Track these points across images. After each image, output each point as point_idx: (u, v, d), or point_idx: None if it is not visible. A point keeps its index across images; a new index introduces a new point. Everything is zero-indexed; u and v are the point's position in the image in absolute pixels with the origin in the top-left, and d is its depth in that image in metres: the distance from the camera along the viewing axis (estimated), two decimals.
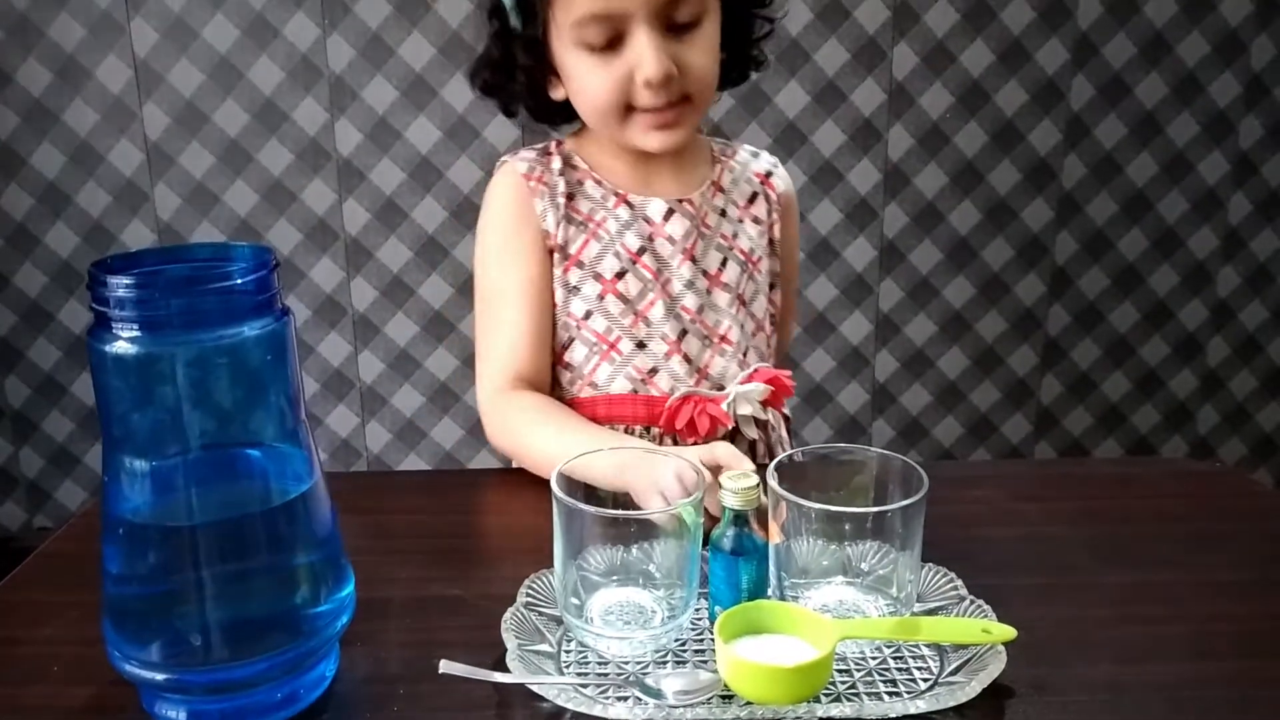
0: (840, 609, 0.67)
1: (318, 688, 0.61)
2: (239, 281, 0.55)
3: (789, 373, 0.96)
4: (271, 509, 0.58)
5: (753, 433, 0.97)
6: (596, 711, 0.56)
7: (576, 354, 0.97)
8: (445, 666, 0.56)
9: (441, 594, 0.72)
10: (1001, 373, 2.02)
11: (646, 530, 0.65)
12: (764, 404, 0.96)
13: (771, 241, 1.03)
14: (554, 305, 0.97)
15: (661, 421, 0.94)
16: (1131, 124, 1.89)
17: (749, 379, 0.95)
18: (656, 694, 0.58)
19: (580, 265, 0.95)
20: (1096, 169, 1.91)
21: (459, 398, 1.95)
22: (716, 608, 0.65)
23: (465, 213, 1.86)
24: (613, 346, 0.95)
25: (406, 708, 0.59)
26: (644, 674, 0.61)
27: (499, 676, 0.57)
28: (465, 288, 1.90)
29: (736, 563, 0.63)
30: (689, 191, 0.98)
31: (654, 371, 0.95)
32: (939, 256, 1.94)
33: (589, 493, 0.66)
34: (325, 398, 1.96)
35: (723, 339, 0.97)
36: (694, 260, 0.96)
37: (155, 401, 0.54)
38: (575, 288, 0.96)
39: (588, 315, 0.95)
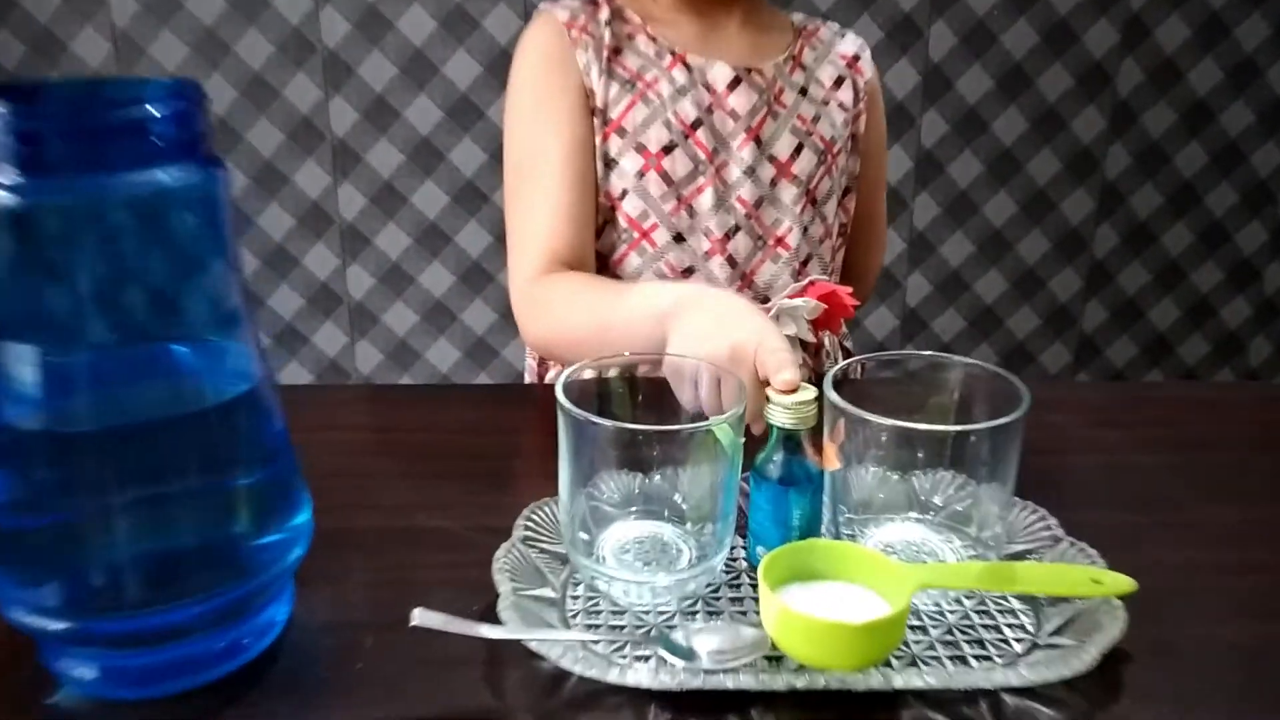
0: (909, 551, 0.55)
1: (266, 635, 0.50)
2: (152, 113, 0.42)
3: (850, 289, 0.83)
4: (201, 413, 0.46)
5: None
6: (611, 677, 0.44)
7: (606, 239, 0.84)
8: (419, 618, 0.45)
9: (425, 525, 0.61)
10: (1042, 298, 1.89)
11: (673, 451, 0.53)
12: (815, 325, 0.83)
13: (854, 136, 0.89)
14: (596, 177, 0.83)
15: None
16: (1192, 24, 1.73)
17: (800, 293, 0.82)
18: (686, 654, 0.46)
19: (621, 133, 0.81)
20: (1154, 75, 1.76)
21: (455, 317, 1.82)
22: (759, 548, 0.53)
23: (462, 113, 1.72)
24: (645, 235, 0.82)
25: (374, 662, 0.48)
26: (669, 628, 0.50)
27: (486, 630, 0.46)
28: (462, 196, 1.77)
29: (786, 494, 0.51)
30: (761, 61, 0.84)
31: (689, 271, 0.82)
32: (979, 169, 1.80)
33: (603, 404, 0.54)
34: (311, 314, 1.84)
35: (779, 242, 0.83)
36: (759, 142, 0.82)
37: (47, 271, 0.42)
38: (613, 160, 0.81)
39: (623, 195, 0.82)
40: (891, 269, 1.85)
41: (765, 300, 0.83)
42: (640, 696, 0.45)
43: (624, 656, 0.47)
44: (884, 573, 0.49)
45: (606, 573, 0.52)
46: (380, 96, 1.70)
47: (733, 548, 0.57)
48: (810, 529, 0.52)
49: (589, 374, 0.55)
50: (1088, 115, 1.77)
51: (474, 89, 1.70)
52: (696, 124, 0.80)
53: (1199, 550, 0.59)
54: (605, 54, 0.80)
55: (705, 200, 0.81)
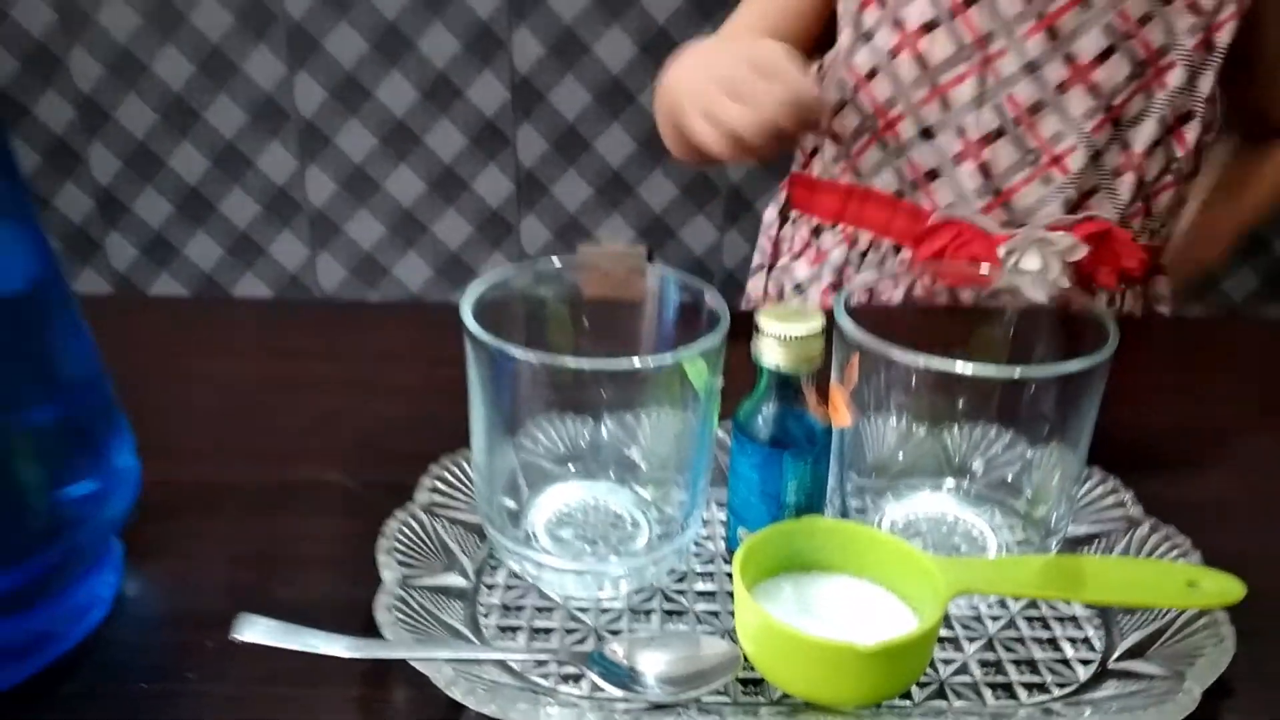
0: (936, 531, 0.44)
1: (83, 619, 0.39)
2: None
3: (1139, 243, 0.73)
4: None
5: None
6: (514, 716, 0.33)
7: (848, 122, 0.75)
8: (245, 632, 0.33)
9: (307, 480, 0.49)
10: None
11: (626, 391, 0.41)
12: (1078, 271, 0.71)
13: (1209, 45, 0.69)
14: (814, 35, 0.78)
15: (911, 239, 0.74)
16: None
17: (1063, 226, 0.70)
18: (625, 676, 0.35)
19: (882, 2, 0.71)
20: None
21: (426, 229, 1.70)
22: (740, 530, 0.42)
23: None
24: (890, 125, 0.73)
25: (211, 671, 0.37)
26: (611, 633, 0.39)
27: (340, 648, 0.34)
28: (434, 90, 1.62)
29: (779, 458, 0.39)
30: None
31: (933, 175, 0.72)
32: None
33: (533, 321, 0.42)
34: (268, 221, 1.72)
35: (1055, 161, 0.70)
36: (1052, 34, 0.68)
37: None
38: (868, 34, 0.72)
39: (872, 74, 0.73)
40: None
41: (1020, 226, 0.72)
42: None
43: (547, 679, 0.36)
44: (908, 568, 0.37)
45: (534, 556, 0.41)
46: None
47: (706, 524, 0.45)
48: (810, 505, 0.41)
49: (509, 285, 0.43)
50: None
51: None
52: (971, 0, 0.68)
53: None
54: None
55: (964, 92, 0.70)
